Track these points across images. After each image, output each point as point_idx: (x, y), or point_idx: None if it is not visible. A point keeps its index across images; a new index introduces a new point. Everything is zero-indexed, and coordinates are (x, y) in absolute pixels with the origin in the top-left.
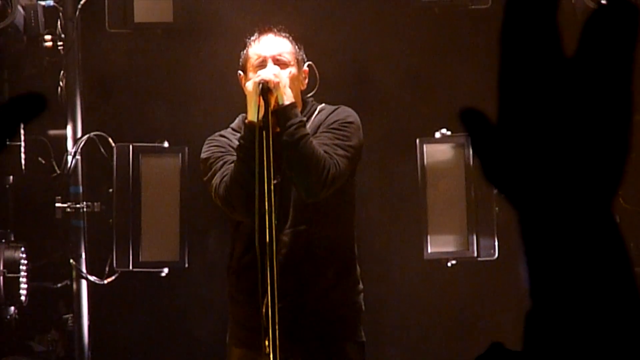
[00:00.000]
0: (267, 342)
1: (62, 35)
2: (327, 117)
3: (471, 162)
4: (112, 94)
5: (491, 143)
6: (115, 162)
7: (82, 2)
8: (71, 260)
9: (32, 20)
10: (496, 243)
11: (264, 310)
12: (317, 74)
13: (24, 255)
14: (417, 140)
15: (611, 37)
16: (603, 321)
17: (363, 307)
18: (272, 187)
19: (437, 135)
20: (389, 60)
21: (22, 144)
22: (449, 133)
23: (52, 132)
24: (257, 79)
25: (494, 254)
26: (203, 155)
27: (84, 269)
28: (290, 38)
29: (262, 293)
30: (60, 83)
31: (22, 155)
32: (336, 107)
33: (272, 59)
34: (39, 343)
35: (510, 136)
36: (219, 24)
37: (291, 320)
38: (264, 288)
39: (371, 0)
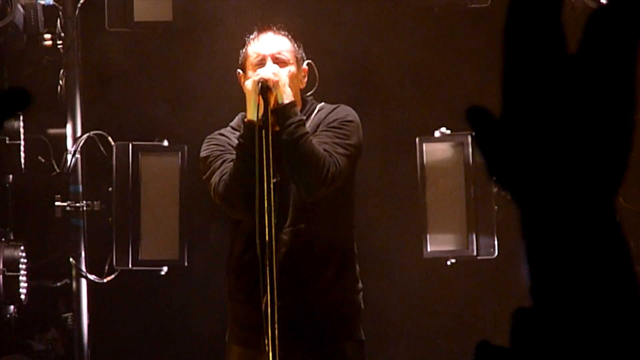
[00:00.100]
0: (266, 341)
1: (62, 34)
2: (326, 115)
3: (471, 161)
4: (112, 93)
5: (495, 139)
6: (114, 161)
7: (81, 1)
8: (71, 259)
9: (32, 19)
10: (496, 242)
11: (263, 308)
12: (317, 73)
13: (24, 254)
14: (417, 139)
15: (615, 34)
16: (603, 317)
17: (362, 305)
18: (272, 186)
19: (437, 134)
20: (389, 59)
21: (22, 142)
22: (448, 132)
23: (51, 130)
24: (257, 78)
25: (494, 253)
26: (202, 154)
27: (83, 268)
28: (290, 36)
29: (261, 292)
30: (60, 82)
31: (22, 154)
32: (335, 106)
33: (272, 58)
34: (38, 342)
35: (513, 133)
36: (219, 23)
37: (291, 319)
38: (263, 286)
39: None
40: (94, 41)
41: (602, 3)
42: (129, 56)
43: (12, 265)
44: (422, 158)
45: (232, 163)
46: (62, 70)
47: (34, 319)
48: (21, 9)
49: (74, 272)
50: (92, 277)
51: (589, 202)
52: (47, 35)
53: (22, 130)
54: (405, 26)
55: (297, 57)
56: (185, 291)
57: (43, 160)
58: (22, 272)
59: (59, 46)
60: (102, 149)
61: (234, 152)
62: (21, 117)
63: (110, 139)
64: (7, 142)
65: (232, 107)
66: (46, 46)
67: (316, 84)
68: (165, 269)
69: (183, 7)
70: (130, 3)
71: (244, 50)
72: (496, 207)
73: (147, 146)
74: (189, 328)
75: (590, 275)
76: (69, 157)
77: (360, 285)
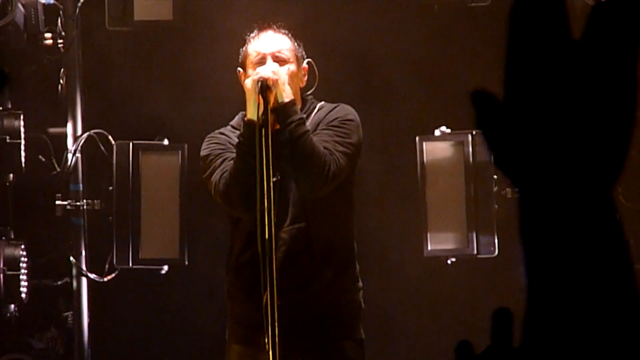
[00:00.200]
0: (266, 339)
1: (62, 33)
2: (326, 114)
3: (471, 160)
4: (112, 92)
5: (497, 123)
6: (115, 160)
7: (82, 0)
8: (71, 258)
9: (32, 18)
10: (496, 240)
11: (263, 307)
12: (317, 72)
13: (24, 253)
14: (417, 138)
15: (615, 29)
16: (600, 306)
17: (362, 304)
18: (272, 184)
19: (437, 133)
20: (388, 58)
21: (22, 141)
22: (448, 131)
23: (52, 129)
24: (256, 77)
25: (494, 252)
26: (203, 153)
27: (84, 267)
28: (290, 35)
29: (261, 290)
30: (61, 81)
31: (22, 153)
32: (335, 105)
33: (271, 56)
34: (38, 340)
35: (515, 118)
36: (219, 22)
37: (290, 318)
38: (263, 285)
39: None
40: (94, 40)
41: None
42: (129, 55)
43: (12, 264)
44: (422, 157)
45: (232, 162)
46: (62, 69)
47: (34, 317)
48: (21, 8)
49: (74, 271)
50: (92, 275)
51: (587, 188)
52: (48, 34)
53: (22, 129)
54: (406, 25)
55: (297, 56)
56: (186, 290)
57: (43, 159)
58: (23, 270)
59: (59, 45)
60: (102, 148)
61: (234, 151)
62: (21, 116)
63: (110, 137)
64: (8, 141)
65: (232, 106)
66: (47, 45)
67: (316, 83)
68: (165, 267)
69: (183, 6)
70: (131, 2)
71: (244, 48)
72: (496, 206)
73: (148, 145)
74: (189, 327)
75: (586, 261)
76: (70, 156)
77: (360, 284)
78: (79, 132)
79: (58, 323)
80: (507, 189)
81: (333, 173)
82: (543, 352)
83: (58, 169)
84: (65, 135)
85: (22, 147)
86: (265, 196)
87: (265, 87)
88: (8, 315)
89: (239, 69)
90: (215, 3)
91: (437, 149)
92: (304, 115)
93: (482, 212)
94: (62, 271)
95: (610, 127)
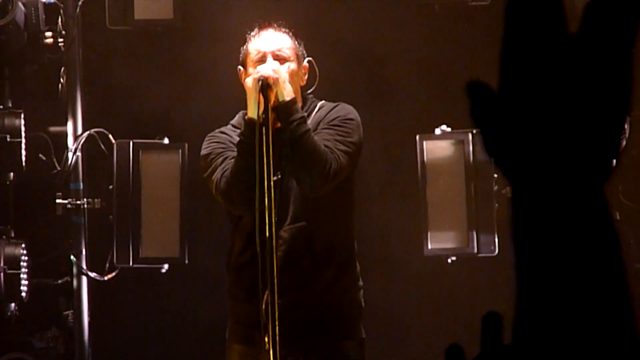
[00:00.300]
0: (267, 339)
1: (63, 32)
2: (327, 114)
3: (471, 159)
4: (113, 91)
5: (491, 114)
6: (115, 159)
7: None
8: (71, 257)
9: (33, 17)
10: (496, 239)
11: (263, 306)
12: (317, 71)
13: (25, 252)
14: (417, 137)
15: (611, 24)
16: (592, 305)
17: (363, 303)
18: (272, 183)
19: (437, 131)
20: (389, 57)
21: (23, 140)
22: (449, 129)
23: (52, 128)
24: (257, 75)
25: (494, 251)
26: (203, 152)
27: (84, 266)
28: (290, 33)
29: (261, 289)
30: (61, 80)
31: (23, 152)
32: (336, 104)
33: (272, 55)
34: (39, 339)
35: (509, 110)
36: (219, 20)
37: (291, 317)
38: (263, 284)
39: None
40: (94, 39)
41: None
42: (130, 54)
43: (13, 263)
44: (423, 156)
45: (233, 160)
46: (63, 68)
47: (35, 316)
48: (22, 7)
49: (74, 270)
50: (92, 274)
51: (580, 182)
52: (48, 33)
53: (23, 128)
54: (406, 24)
55: (297, 54)
56: (186, 289)
57: (44, 157)
58: (23, 269)
59: (60, 44)
60: (102, 146)
61: (235, 150)
62: (22, 115)
63: (111, 136)
64: (8, 139)
65: (232, 104)
66: (47, 44)
67: (316, 82)
68: (165, 266)
69: (183, 5)
70: (131, 1)
71: (244, 47)
72: (497, 205)
73: (148, 144)
74: (189, 326)
75: (578, 254)
76: (70, 154)
77: (360, 283)
78: (80, 130)
79: (58, 322)
80: (507, 188)
81: (334, 172)
82: (534, 351)
83: (58, 168)
84: (65, 134)
85: (23, 146)
86: (266, 195)
87: (265, 86)
88: (8, 314)
89: (240, 67)
90: (215, 2)
91: (437, 147)
92: (305, 114)
93: (482, 211)
94: (63, 270)
95: (602, 123)
